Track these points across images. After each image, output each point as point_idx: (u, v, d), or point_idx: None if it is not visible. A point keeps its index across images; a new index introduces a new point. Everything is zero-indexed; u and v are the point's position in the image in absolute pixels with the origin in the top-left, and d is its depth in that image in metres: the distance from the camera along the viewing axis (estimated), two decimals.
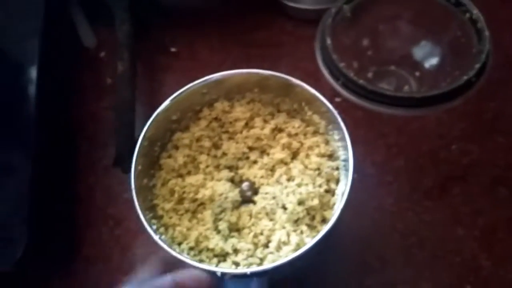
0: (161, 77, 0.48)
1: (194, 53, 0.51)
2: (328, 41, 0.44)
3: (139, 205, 0.34)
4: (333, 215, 0.33)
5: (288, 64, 0.48)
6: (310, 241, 0.33)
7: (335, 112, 0.36)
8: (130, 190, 0.33)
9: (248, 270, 0.32)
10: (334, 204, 0.37)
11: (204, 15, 0.50)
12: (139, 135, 0.35)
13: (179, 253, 0.32)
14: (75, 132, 0.45)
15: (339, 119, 0.36)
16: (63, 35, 0.48)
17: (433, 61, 0.48)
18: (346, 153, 0.36)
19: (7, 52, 0.39)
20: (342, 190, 0.36)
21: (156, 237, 0.33)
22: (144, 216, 0.33)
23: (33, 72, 0.37)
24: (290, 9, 0.50)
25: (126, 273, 0.37)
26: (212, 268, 0.32)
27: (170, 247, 0.32)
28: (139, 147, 0.36)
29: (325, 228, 0.32)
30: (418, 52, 0.49)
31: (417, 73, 0.48)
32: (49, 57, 0.40)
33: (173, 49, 0.49)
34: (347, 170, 0.36)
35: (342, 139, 0.36)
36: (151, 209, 0.37)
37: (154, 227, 0.35)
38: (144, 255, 0.39)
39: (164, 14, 0.50)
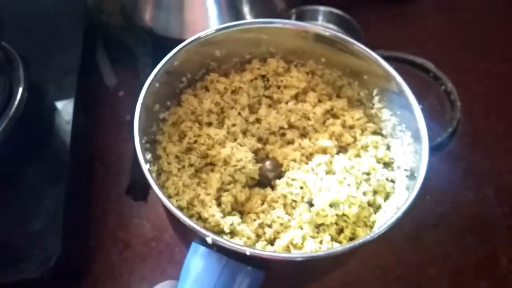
0: None
1: None
2: None
3: (138, 124, 0.27)
4: (368, 235, 0.25)
5: None
6: (335, 248, 0.25)
7: (420, 110, 0.29)
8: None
9: (248, 250, 0.24)
10: (374, 222, 0.29)
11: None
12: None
13: (166, 196, 0.25)
14: (93, 160, 0.47)
15: (422, 120, 0.29)
16: (87, 73, 0.54)
17: None
18: (414, 164, 0.28)
19: (47, 87, 0.43)
20: (392, 208, 0.29)
21: (144, 166, 0.26)
22: (140, 138, 0.27)
23: (70, 106, 0.41)
24: None
25: None
26: (202, 230, 0.24)
27: (158, 187, 0.25)
28: (162, 65, 0.30)
29: (353, 243, 0.24)
30: None
31: None
32: (80, 93, 0.44)
33: None
34: (407, 188, 0.28)
35: (415, 146, 0.29)
36: (150, 142, 0.31)
37: (148, 156, 0.28)
38: (151, 277, 0.41)
39: None
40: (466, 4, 0.64)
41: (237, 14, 0.51)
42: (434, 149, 0.44)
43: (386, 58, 0.50)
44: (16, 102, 0.39)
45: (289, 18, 0.57)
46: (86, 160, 0.46)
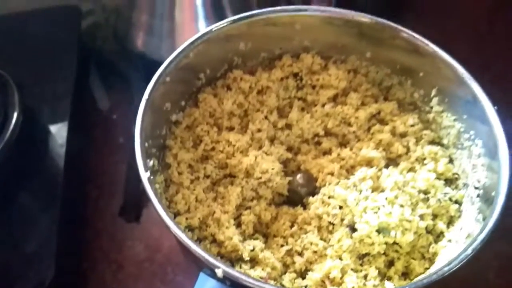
0: None
1: None
2: None
3: (141, 124, 0.22)
4: (436, 273, 0.19)
5: None
6: None
7: (496, 117, 0.23)
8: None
9: None
10: (434, 254, 0.24)
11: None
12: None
13: (170, 218, 0.20)
14: (87, 182, 0.46)
15: (499, 126, 0.22)
16: (81, 97, 0.55)
17: None
18: (488, 180, 0.22)
19: (41, 111, 0.44)
20: (459, 236, 0.23)
21: (144, 174, 0.21)
22: (141, 141, 0.22)
23: (64, 129, 0.42)
24: None
25: None
26: (210, 259, 0.19)
27: (162, 206, 0.21)
28: (173, 58, 0.25)
29: (416, 283, 0.19)
30: None
31: None
32: (74, 116, 0.44)
33: None
34: (480, 210, 0.22)
35: (488, 158, 0.23)
36: (158, 148, 0.26)
37: (151, 163, 0.23)
38: None
39: None
40: (451, 13, 0.65)
41: None
42: None
43: None
44: (11, 127, 0.39)
45: None
46: (79, 182, 0.46)
